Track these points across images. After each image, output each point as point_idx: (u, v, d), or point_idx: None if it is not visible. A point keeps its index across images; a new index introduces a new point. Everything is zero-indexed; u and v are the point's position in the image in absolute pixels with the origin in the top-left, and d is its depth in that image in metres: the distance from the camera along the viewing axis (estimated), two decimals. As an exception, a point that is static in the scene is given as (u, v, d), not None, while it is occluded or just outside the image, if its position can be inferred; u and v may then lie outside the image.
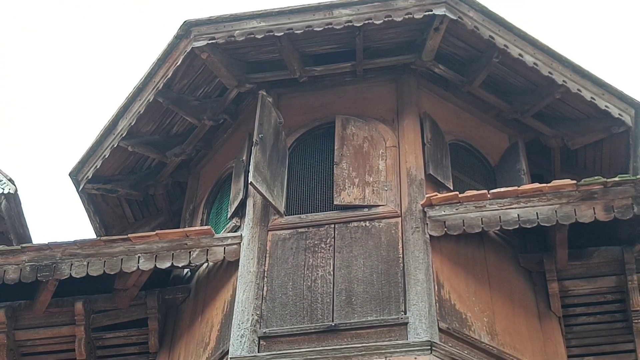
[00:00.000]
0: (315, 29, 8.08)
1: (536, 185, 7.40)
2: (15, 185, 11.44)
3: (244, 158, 8.31)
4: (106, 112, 22.60)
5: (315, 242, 7.45)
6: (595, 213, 7.14)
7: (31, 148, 25.67)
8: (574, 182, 7.27)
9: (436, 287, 7.05)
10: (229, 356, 6.71)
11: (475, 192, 7.44)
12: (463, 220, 7.34)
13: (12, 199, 11.38)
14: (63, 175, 20.51)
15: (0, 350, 7.94)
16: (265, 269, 7.34)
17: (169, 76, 8.42)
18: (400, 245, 7.28)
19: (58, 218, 23.34)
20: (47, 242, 7.75)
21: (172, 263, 7.60)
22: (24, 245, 7.94)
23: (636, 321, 7.44)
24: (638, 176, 7.43)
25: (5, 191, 11.33)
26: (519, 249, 7.85)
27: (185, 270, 8.27)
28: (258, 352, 6.74)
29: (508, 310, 7.35)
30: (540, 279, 7.71)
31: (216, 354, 7.12)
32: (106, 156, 8.91)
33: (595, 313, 7.66)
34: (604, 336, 7.59)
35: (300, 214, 7.74)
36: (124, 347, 8.09)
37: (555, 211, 7.19)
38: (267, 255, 7.44)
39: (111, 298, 8.00)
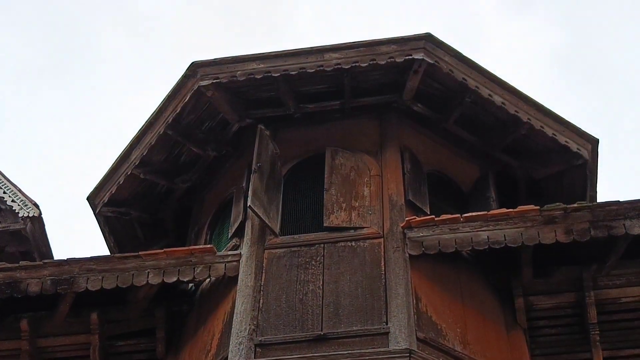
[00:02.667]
0: (308, 71, 8.09)
1: (504, 210, 7.39)
2: (39, 209, 11.41)
3: (244, 185, 8.27)
4: (121, 143, 22.61)
5: (307, 260, 7.40)
6: (556, 235, 7.13)
7: (53, 175, 25.66)
8: (538, 207, 7.26)
9: (414, 300, 7.00)
10: (229, 362, 6.64)
11: (449, 216, 7.42)
12: (439, 241, 7.31)
13: (36, 221, 11.35)
14: (81, 199, 20.51)
15: (23, 356, 7.87)
16: (262, 284, 7.28)
17: (177, 111, 8.40)
18: (382, 263, 7.23)
19: (77, 238, 23.25)
20: (66, 259, 7.69)
21: (178, 278, 7.54)
22: (45, 261, 7.88)
23: (593, 333, 7.40)
24: (594, 203, 7.43)
25: (30, 214, 11.30)
26: (489, 268, 7.80)
27: (190, 285, 8.20)
28: (254, 358, 6.68)
29: (479, 322, 7.30)
30: (507, 294, 7.66)
31: (217, 359, 7.04)
32: (120, 182, 8.87)
33: (556, 325, 7.62)
34: (565, 346, 7.54)
35: (293, 234, 7.70)
36: (134, 353, 8.02)
37: (521, 233, 7.17)
38: (264, 271, 7.39)
39: (123, 309, 7.94)
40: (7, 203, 11.47)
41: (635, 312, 7.51)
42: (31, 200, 11.54)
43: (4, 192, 11.60)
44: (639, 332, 7.48)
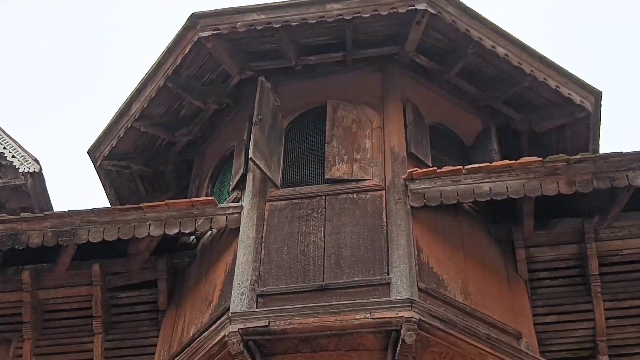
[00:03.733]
0: (309, 22, 8.01)
1: (506, 161, 7.36)
2: (39, 164, 11.39)
3: (245, 137, 8.23)
4: (122, 97, 22.48)
5: (308, 212, 7.38)
6: (558, 187, 7.10)
7: (53, 130, 25.61)
8: (540, 159, 7.23)
9: (416, 252, 7.00)
10: (230, 312, 6.63)
11: (451, 168, 7.39)
12: (441, 193, 7.29)
13: (37, 177, 11.34)
14: (82, 154, 20.50)
15: (25, 307, 7.88)
16: (263, 235, 7.28)
17: (177, 63, 8.34)
18: (384, 215, 7.22)
19: (78, 194, 23.27)
20: (67, 210, 7.68)
21: (180, 230, 7.54)
22: (46, 213, 7.87)
23: (594, 284, 7.41)
24: (597, 154, 7.39)
25: (31, 170, 11.28)
26: (490, 220, 7.79)
27: (191, 237, 8.20)
28: (256, 308, 6.68)
29: (480, 274, 7.30)
30: (509, 246, 7.66)
31: (218, 310, 7.05)
32: (121, 136, 8.84)
33: (557, 277, 7.62)
34: (566, 297, 7.55)
35: (294, 186, 7.68)
36: (136, 305, 8.03)
37: (523, 185, 7.15)
38: (265, 223, 7.38)
39: (125, 262, 7.94)
40: (8, 159, 11.46)
41: (636, 264, 7.51)
42: (31, 156, 11.52)
43: (4, 148, 11.58)
44: (639, 284, 7.48)
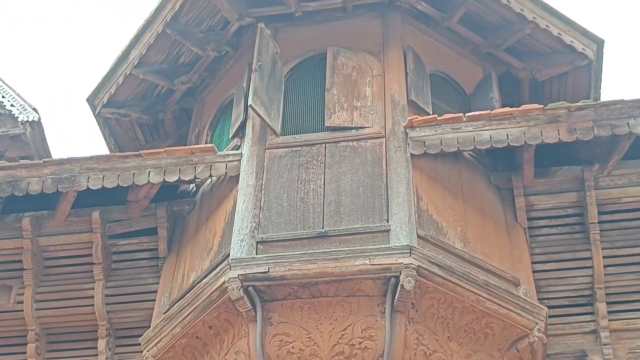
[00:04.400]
0: (309, -33, 7.93)
1: (507, 109, 7.33)
2: (38, 113, 11.33)
3: (244, 85, 8.19)
4: (120, 43, 22.30)
5: (308, 159, 7.38)
6: (559, 134, 7.08)
7: (52, 77, 25.49)
8: (541, 106, 7.19)
9: (415, 199, 7.00)
10: (230, 258, 6.67)
11: (452, 115, 7.36)
12: (441, 141, 7.27)
13: (36, 126, 11.28)
14: (81, 103, 20.42)
15: (25, 254, 7.91)
16: (263, 183, 7.28)
17: (176, 9, 8.27)
18: (384, 163, 7.21)
19: (77, 144, 23.25)
20: (66, 157, 7.68)
21: (179, 177, 7.53)
22: (45, 159, 7.87)
23: (593, 232, 7.42)
24: (598, 102, 7.35)
25: (30, 119, 11.22)
26: (490, 168, 7.79)
27: (191, 185, 8.21)
28: (256, 254, 6.71)
29: (479, 221, 7.32)
30: (508, 194, 7.66)
31: (218, 256, 7.09)
32: (119, 83, 8.79)
33: (557, 225, 7.63)
34: (564, 245, 7.57)
35: (294, 134, 7.66)
36: (136, 252, 8.07)
37: (524, 132, 7.13)
38: (265, 170, 7.38)
39: (125, 209, 7.95)
40: (6, 107, 11.39)
41: (635, 212, 7.52)
42: (30, 105, 11.45)
43: (3, 97, 11.50)
44: (638, 232, 7.50)
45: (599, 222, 7.44)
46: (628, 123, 7.01)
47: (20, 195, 7.55)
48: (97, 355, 7.85)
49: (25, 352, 7.91)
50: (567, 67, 8.56)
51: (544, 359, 7.17)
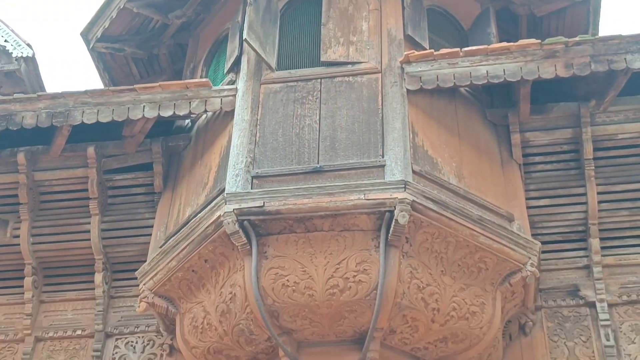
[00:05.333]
0: None
1: (504, 44, 7.25)
2: (32, 49, 11.23)
3: (239, 19, 8.11)
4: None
5: (304, 95, 7.34)
6: (556, 70, 7.04)
7: (46, 12, 25.21)
8: (539, 41, 7.14)
9: (411, 135, 6.99)
10: (225, 193, 6.67)
11: (448, 50, 7.30)
12: (437, 76, 7.22)
13: (30, 62, 11.20)
14: (75, 37, 20.21)
15: (21, 189, 7.93)
16: (258, 118, 7.25)
17: (170, -60, 8.16)
18: (379, 98, 7.18)
19: (72, 79, 23.09)
20: (61, 92, 7.63)
21: (174, 112, 7.49)
22: (40, 93, 7.81)
23: (588, 168, 7.43)
24: (596, 37, 7.29)
25: (24, 55, 11.13)
26: (486, 104, 7.77)
27: (186, 121, 8.19)
28: (251, 189, 6.72)
29: (474, 158, 7.32)
30: (504, 131, 7.65)
31: (214, 191, 7.10)
32: (113, 17, 8.70)
33: (552, 162, 7.63)
34: (559, 182, 7.58)
35: (290, 69, 7.60)
36: (132, 187, 8.08)
37: (521, 68, 7.08)
38: (260, 105, 7.34)
39: (120, 144, 7.94)
40: (0, 43, 11.29)
41: (630, 149, 7.52)
42: (24, 41, 11.35)
43: (-4, 32, 11.41)
44: (633, 168, 7.52)
45: (594, 159, 7.45)
46: (625, 58, 6.97)
47: (15, 129, 7.52)
48: (94, 289, 7.93)
49: (22, 286, 7.99)
50: (565, 3, 8.47)
51: (537, 294, 7.26)
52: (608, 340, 7.07)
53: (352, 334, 6.55)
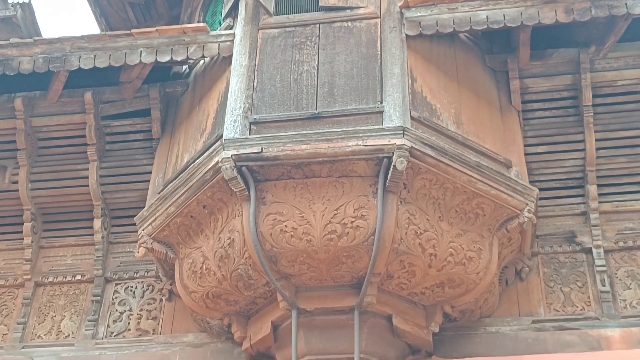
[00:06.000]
0: None
1: (504, -11, 7.19)
2: (28, -6, 11.12)
3: (237, -37, 8.00)
4: None
5: (302, 40, 7.28)
6: (556, 15, 6.98)
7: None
8: (539, -14, 7.08)
9: (410, 81, 6.96)
10: (223, 138, 6.66)
11: (448, -5, 7.23)
12: (437, 21, 7.17)
13: (27, 7, 11.07)
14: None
15: (19, 134, 7.92)
16: (256, 63, 7.20)
17: None
18: (378, 43, 7.12)
19: (68, 25, 22.89)
20: (57, 37, 7.58)
21: (172, 57, 7.44)
22: (36, 38, 7.75)
23: (587, 115, 7.42)
24: (597, -18, 7.22)
25: (20, 0, 11.02)
26: (486, 50, 7.71)
27: (184, 67, 8.15)
28: (249, 135, 6.70)
29: (473, 104, 7.29)
30: (503, 77, 7.60)
31: (212, 137, 7.09)
32: (110, -39, 8.63)
33: (550, 108, 7.60)
34: (558, 128, 7.56)
35: (288, 14, 7.53)
36: (130, 134, 8.06)
37: (521, 13, 7.03)
38: (258, 51, 7.29)
39: (117, 90, 7.91)
40: (-4, -11, 11.19)
41: (630, 95, 7.49)
42: (20, -14, 11.24)
43: (-8, -23, 11.28)
44: (632, 115, 7.50)
45: (593, 105, 7.42)
46: (626, 4, 6.91)
47: (12, 74, 7.48)
48: (93, 234, 7.97)
49: (21, 232, 8.03)
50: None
51: (533, 240, 7.30)
52: (604, 285, 7.13)
53: (349, 279, 6.60)
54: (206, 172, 6.67)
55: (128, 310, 7.68)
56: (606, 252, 7.30)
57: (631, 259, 7.30)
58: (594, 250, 7.29)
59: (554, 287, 7.22)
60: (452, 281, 6.69)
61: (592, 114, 7.41)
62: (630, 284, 7.17)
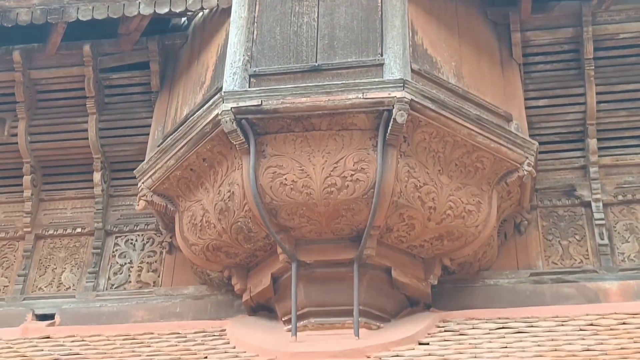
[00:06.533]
0: None
1: (507, -60, 7.11)
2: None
3: None
4: None
5: (302, -8, 7.22)
6: (560, -35, 6.94)
7: None
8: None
9: (410, 33, 6.90)
10: (223, 91, 6.62)
11: (450, -54, 7.15)
12: (437, -27, 7.12)
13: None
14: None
15: (17, 87, 7.90)
16: (256, 15, 7.13)
17: None
18: (379, -5, 7.07)
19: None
20: (55, -12, 7.53)
21: (170, 9, 7.37)
22: (33, -12, 7.69)
23: (588, 68, 7.38)
24: None
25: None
26: (487, 3, 7.64)
27: (183, 19, 8.07)
28: (249, 87, 6.66)
29: (474, 57, 7.25)
30: (504, 30, 7.55)
31: (211, 90, 7.06)
32: None
33: (552, 61, 7.57)
34: (558, 81, 7.53)
35: (287, -35, 7.46)
36: (129, 86, 8.04)
37: (523, -36, 6.99)
38: (257, 3, 7.19)
39: (116, 42, 7.87)
40: (-9, -61, 11.05)
41: (631, 48, 7.45)
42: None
43: None
44: (633, 68, 7.47)
45: (594, 59, 7.39)
46: (629, -45, 6.86)
47: (10, 26, 7.42)
48: (92, 187, 7.98)
49: (21, 185, 8.03)
50: None
51: (533, 193, 7.31)
52: (602, 239, 7.15)
53: (349, 232, 6.62)
54: (205, 125, 6.65)
55: (128, 263, 7.71)
56: (605, 205, 7.32)
57: (630, 212, 7.32)
58: (593, 204, 7.30)
59: (552, 241, 7.24)
60: (451, 234, 6.71)
61: (593, 67, 7.37)
62: (629, 237, 7.20)
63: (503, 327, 6.44)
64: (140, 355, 6.44)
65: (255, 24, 7.08)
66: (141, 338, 6.89)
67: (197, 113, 6.92)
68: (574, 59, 7.52)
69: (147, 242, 7.80)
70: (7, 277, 7.82)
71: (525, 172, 6.76)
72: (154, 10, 7.36)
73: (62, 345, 6.86)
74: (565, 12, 7.45)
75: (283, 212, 6.51)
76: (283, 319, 6.80)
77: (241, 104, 6.47)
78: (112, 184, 8.07)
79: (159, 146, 7.26)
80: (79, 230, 7.93)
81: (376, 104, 6.36)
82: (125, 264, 7.72)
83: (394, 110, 6.29)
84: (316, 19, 7.02)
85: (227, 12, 7.37)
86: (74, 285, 7.68)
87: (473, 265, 7.02)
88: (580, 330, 6.30)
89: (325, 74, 6.68)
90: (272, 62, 6.83)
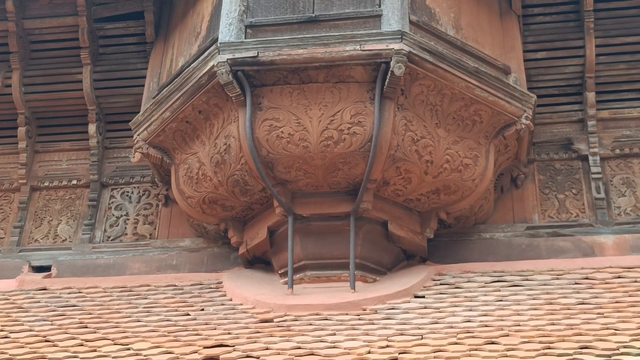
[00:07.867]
0: None
1: None
2: None
3: None
4: None
5: (298, -59, 7.07)
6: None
7: None
8: None
9: (409, -16, 6.79)
10: (218, 42, 6.53)
11: None
12: None
13: None
14: None
15: (11, 37, 7.78)
16: (252, -35, 7.00)
17: None
18: (377, -55, 6.92)
19: None
20: None
21: (165, -42, 7.27)
22: None
23: (587, 20, 7.28)
24: None
25: None
26: (487, -47, 7.53)
27: (178, -32, 7.94)
28: (245, 38, 6.56)
29: (473, 8, 7.14)
30: (504, -20, 7.46)
31: (207, 41, 6.96)
32: None
33: (551, 13, 7.47)
34: (558, 34, 7.44)
35: None
36: (123, 37, 7.93)
37: None
38: (254, -48, 7.08)
39: (110, -9, 7.76)
40: None
41: (631, 0, 7.35)
42: None
43: None
44: (633, 21, 7.37)
45: (594, 10, 7.30)
46: None
47: (2, -25, 7.31)
48: (88, 139, 7.91)
49: (16, 136, 7.96)
50: None
51: (530, 147, 7.27)
52: (599, 192, 7.13)
53: (345, 185, 6.58)
54: (201, 77, 6.57)
55: (124, 215, 7.68)
56: (602, 159, 7.28)
57: (627, 166, 7.28)
58: (590, 158, 7.27)
59: (549, 194, 7.22)
60: (447, 188, 6.68)
61: (592, 19, 7.28)
62: (625, 191, 7.18)
63: (498, 281, 6.44)
64: (137, 307, 6.44)
65: (252, -27, 6.95)
66: (138, 290, 6.89)
67: (192, 64, 6.83)
68: (573, 10, 7.42)
69: (143, 195, 7.76)
70: (2, 229, 7.79)
71: (523, 126, 6.71)
72: (149, -39, 7.22)
73: (58, 297, 6.86)
74: (566, -26, 7.34)
75: (279, 165, 6.47)
76: (279, 272, 6.80)
77: (237, 55, 6.38)
78: (108, 136, 8.01)
79: (154, 98, 7.18)
80: (74, 182, 7.88)
81: (374, 56, 6.27)
82: (122, 216, 7.68)
83: (391, 63, 6.21)
84: (313, -31, 6.89)
85: (222, -39, 7.22)
86: (70, 237, 7.66)
87: (469, 219, 7.00)
88: (576, 283, 6.31)
89: (322, 25, 6.58)
90: (269, 13, 6.72)
